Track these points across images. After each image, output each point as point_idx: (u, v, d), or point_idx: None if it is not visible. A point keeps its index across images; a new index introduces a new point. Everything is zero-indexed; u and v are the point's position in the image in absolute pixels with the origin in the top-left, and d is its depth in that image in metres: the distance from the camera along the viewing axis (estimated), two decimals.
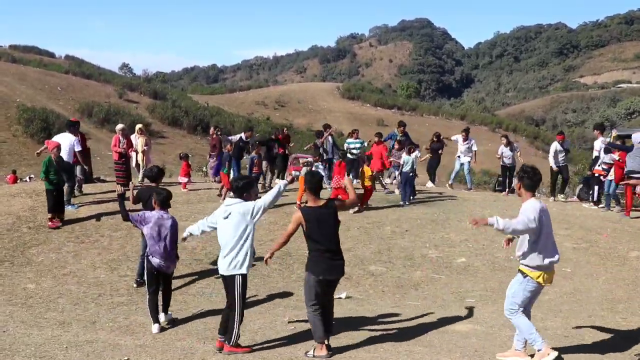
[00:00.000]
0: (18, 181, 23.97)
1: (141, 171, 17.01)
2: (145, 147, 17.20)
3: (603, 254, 12.04)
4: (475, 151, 19.37)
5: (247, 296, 7.86)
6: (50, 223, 13.13)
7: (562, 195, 17.90)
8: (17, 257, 11.80)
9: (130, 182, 12.48)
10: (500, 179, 20.41)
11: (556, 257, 6.54)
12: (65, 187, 13.82)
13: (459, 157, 19.54)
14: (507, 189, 18.38)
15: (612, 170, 15.13)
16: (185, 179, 16.88)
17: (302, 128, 68.13)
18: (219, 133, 19.09)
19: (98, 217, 13.91)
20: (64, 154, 13.81)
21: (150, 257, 8.58)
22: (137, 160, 17.15)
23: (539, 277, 6.51)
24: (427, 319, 8.64)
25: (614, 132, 17.85)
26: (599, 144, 16.49)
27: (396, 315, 8.97)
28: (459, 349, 7.22)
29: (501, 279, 10.88)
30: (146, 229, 8.56)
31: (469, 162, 19.47)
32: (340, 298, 9.87)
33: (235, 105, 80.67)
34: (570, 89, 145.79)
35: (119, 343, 7.86)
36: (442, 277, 11.15)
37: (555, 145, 17.08)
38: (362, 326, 8.40)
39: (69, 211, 13.91)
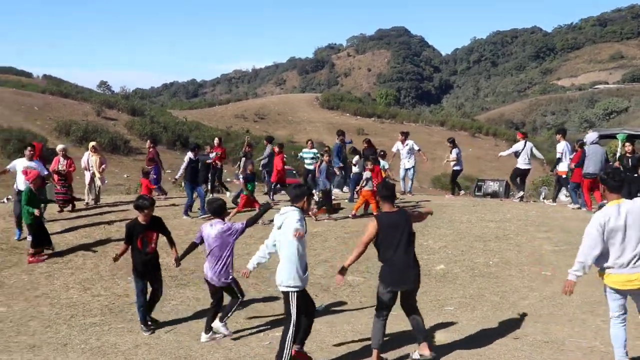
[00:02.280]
0: None
1: (92, 190, 16.77)
2: (103, 166, 16.77)
3: None
4: (418, 150, 19.48)
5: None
6: (31, 258, 12.29)
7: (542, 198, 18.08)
8: None
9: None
10: (480, 183, 20.44)
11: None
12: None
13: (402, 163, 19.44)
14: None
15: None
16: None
17: (283, 140, 67.92)
18: (154, 146, 18.84)
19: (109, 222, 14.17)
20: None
21: (204, 268, 8.59)
22: (91, 179, 16.66)
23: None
24: (404, 328, 8.48)
25: (591, 132, 17.90)
26: (561, 146, 17.03)
27: None
28: (439, 357, 7.08)
29: (480, 285, 10.80)
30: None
31: (413, 166, 19.36)
32: (318, 309, 9.71)
33: (215, 120, 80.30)
34: (549, 92, 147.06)
35: None
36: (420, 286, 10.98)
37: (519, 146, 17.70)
38: (339, 338, 8.25)
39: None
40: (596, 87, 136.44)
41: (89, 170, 16.58)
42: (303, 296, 7.10)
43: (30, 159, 13.84)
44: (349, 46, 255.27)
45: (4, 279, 11.66)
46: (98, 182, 16.77)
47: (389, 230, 6.88)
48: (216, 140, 20.12)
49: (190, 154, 15.95)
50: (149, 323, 9.26)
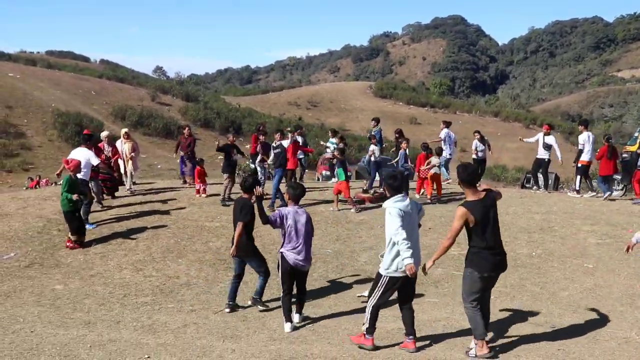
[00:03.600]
0: (38, 186, 24.41)
1: (129, 177, 16.94)
2: (133, 153, 16.94)
3: None
4: (455, 141, 20.20)
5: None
6: (69, 244, 12.64)
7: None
8: (47, 259, 12.14)
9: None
10: (529, 175, 20.36)
11: None
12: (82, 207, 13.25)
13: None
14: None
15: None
16: (198, 186, 16.64)
17: (334, 128, 68.20)
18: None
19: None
20: (82, 171, 13.33)
21: (285, 255, 8.51)
22: (124, 167, 16.76)
23: None
24: (443, 315, 8.70)
25: None
26: (583, 137, 17.39)
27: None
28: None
29: (522, 274, 10.90)
30: (284, 225, 8.49)
31: (446, 158, 19.48)
32: (362, 295, 9.97)
33: (267, 106, 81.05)
34: (607, 84, 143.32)
35: (141, 342, 8.05)
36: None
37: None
38: (378, 323, 8.50)
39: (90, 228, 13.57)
40: None
41: (124, 157, 16.71)
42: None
43: (90, 147, 14.17)
44: (404, 34, 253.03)
45: (60, 258, 12.25)
46: (130, 168, 16.92)
47: (481, 216, 6.93)
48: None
49: (284, 142, 16.35)
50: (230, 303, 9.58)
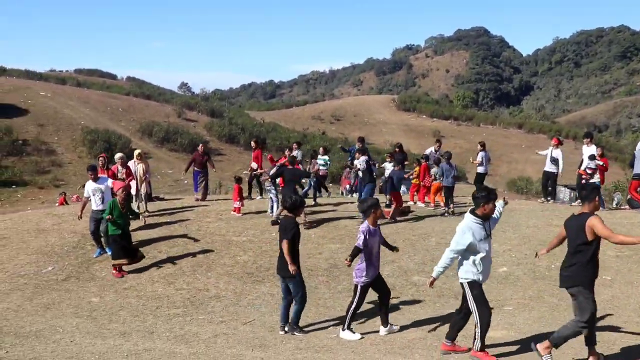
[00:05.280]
0: (66, 203, 24.88)
1: (144, 199, 16.62)
2: (146, 175, 16.79)
3: None
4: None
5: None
6: (114, 272, 12.59)
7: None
8: (83, 273, 12.71)
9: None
10: (550, 188, 20.61)
11: None
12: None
13: None
14: None
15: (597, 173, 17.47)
16: (237, 204, 16.79)
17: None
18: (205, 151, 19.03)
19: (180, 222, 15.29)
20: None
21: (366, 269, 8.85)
22: (137, 188, 16.35)
23: None
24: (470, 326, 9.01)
25: None
26: (586, 149, 18.08)
27: (434, 322, 9.40)
28: (491, 353, 7.58)
29: (540, 287, 11.16)
30: (370, 241, 8.80)
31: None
32: None
33: (291, 121, 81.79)
34: (635, 93, 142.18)
35: (175, 351, 8.48)
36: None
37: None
38: (399, 333, 8.87)
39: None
40: None
41: (137, 179, 16.36)
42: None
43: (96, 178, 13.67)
44: (427, 47, 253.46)
45: (95, 272, 12.80)
46: (144, 190, 16.67)
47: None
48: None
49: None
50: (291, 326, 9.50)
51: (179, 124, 54.48)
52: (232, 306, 10.90)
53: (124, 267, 12.70)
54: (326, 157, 20.23)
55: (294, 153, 17.84)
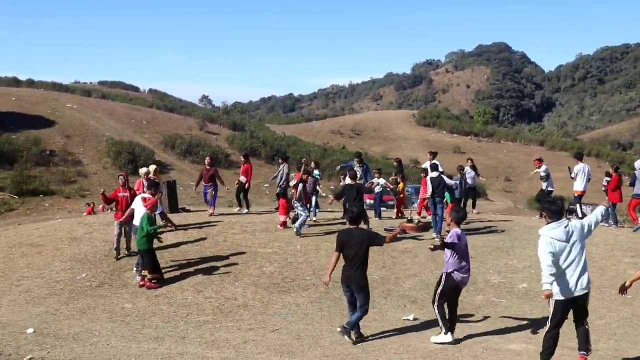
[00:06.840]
0: (94, 213, 25.27)
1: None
2: (160, 193, 16.72)
3: None
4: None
5: None
6: (147, 282, 12.75)
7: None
8: (115, 280, 13.20)
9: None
10: (572, 206, 20.86)
11: None
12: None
13: None
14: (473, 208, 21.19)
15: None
16: (283, 217, 17.01)
17: (377, 156, 69.06)
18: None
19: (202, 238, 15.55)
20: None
21: (454, 274, 9.18)
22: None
23: None
24: (482, 338, 9.32)
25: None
26: (578, 167, 19.19)
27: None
28: None
29: None
30: (459, 246, 9.19)
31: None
32: (407, 319, 10.71)
33: (311, 135, 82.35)
34: None
35: (207, 355, 8.87)
36: (502, 301, 11.78)
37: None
38: (421, 343, 9.19)
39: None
40: None
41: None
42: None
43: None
44: (447, 62, 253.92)
45: (127, 279, 13.28)
46: (162, 207, 16.53)
47: None
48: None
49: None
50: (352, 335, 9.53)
51: (201, 136, 55.07)
52: (260, 314, 11.29)
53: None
54: (316, 172, 20.48)
55: (315, 172, 18.74)
